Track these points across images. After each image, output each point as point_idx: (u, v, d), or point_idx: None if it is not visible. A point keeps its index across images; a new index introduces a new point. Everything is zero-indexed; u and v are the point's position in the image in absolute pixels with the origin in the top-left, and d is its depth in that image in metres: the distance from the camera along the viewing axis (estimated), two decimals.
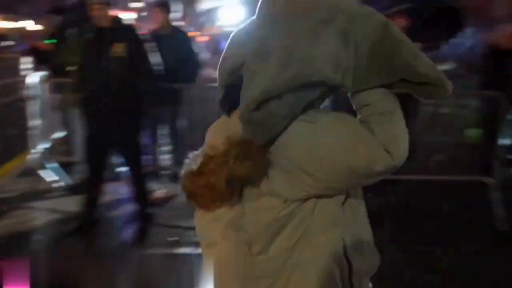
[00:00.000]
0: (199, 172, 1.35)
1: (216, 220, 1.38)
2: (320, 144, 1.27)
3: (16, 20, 32.93)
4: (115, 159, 5.03)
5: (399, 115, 1.36)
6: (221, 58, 1.40)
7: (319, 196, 1.32)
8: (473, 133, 6.34)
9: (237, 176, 1.29)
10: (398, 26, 1.42)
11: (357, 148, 1.26)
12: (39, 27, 15.65)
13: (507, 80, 5.58)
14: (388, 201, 5.29)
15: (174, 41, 5.69)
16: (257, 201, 1.33)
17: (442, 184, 5.47)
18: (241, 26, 1.41)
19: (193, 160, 1.41)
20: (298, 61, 1.26)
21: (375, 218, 1.61)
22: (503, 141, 5.78)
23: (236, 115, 1.37)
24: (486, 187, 5.09)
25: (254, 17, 1.38)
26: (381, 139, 1.28)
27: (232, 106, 1.41)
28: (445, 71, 1.37)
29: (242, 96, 1.30)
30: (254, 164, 1.29)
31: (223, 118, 1.45)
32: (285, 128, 1.29)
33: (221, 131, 1.39)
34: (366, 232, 1.45)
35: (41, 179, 5.82)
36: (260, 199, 1.33)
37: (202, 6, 21.68)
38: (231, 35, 1.41)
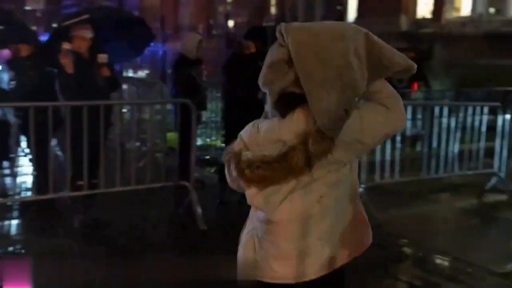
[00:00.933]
0: (279, 160, 1.98)
1: (275, 191, 2.05)
2: (366, 121, 1.99)
3: None
4: None
5: (397, 94, 2.06)
6: (265, 78, 2.06)
7: None
8: (172, 137, 6.62)
9: (316, 155, 1.95)
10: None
11: (389, 120, 2.02)
12: None
13: (194, 87, 5.98)
14: (85, 219, 5.14)
15: None
16: (326, 168, 2.02)
17: (145, 192, 5.54)
18: (274, 58, 2.04)
19: (248, 155, 2.05)
20: (350, 86, 1.95)
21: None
22: (199, 143, 6.15)
23: (298, 114, 2.01)
24: (187, 190, 5.35)
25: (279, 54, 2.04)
26: (395, 112, 2.03)
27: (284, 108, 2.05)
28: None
29: (316, 109, 1.94)
30: (327, 144, 1.94)
31: (275, 120, 2.07)
32: None
33: (288, 128, 2.01)
34: None
35: None
36: (328, 166, 2.02)
37: None
38: (270, 64, 2.05)
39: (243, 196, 2.14)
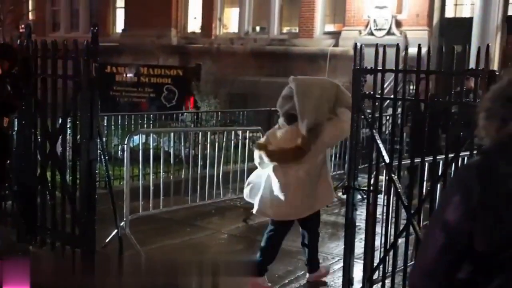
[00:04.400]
0: (291, 149, 4.43)
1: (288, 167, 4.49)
2: (338, 128, 4.56)
3: None
4: None
5: (349, 113, 4.30)
6: (279, 104, 4.55)
7: None
8: None
9: (304, 147, 4.37)
10: None
11: (344, 128, 4.49)
12: None
13: None
14: None
15: None
16: (316, 156, 4.50)
17: None
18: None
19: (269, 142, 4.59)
20: (320, 112, 4.44)
21: None
22: None
23: (295, 127, 4.45)
24: None
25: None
26: (348, 124, 4.26)
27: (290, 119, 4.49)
28: None
29: (301, 118, 4.38)
30: (309, 142, 4.37)
31: (289, 127, 4.50)
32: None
33: (291, 133, 4.46)
34: None
35: None
36: (317, 156, 4.52)
37: None
38: (283, 96, 4.52)
39: None
